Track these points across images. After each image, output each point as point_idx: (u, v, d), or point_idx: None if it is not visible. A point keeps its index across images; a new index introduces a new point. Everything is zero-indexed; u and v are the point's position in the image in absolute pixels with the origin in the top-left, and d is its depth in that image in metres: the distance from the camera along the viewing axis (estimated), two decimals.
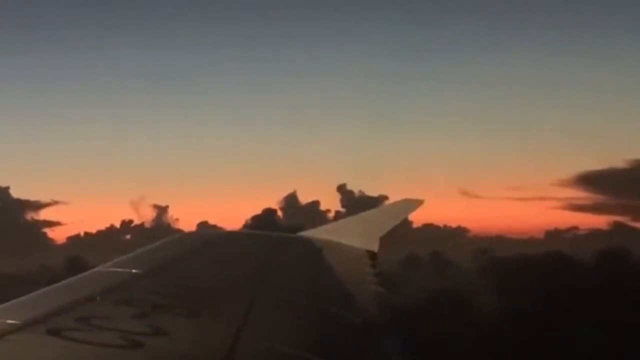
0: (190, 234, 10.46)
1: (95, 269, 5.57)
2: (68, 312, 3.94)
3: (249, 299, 4.95)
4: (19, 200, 63.41)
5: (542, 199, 78.15)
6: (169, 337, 3.72)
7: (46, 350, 3.39)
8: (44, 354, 3.35)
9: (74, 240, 61.07)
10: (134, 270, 5.44)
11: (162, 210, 60.22)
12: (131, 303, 4.31)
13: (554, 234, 58.34)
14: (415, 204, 11.61)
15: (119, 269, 5.52)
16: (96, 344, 3.44)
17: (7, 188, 62.24)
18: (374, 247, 9.06)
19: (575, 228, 58.41)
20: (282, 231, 12.16)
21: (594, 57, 70.68)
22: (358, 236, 9.39)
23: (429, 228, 55.97)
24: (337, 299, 5.82)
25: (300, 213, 54.13)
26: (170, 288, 5.02)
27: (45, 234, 64.14)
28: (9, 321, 3.65)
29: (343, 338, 4.69)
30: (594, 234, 55.85)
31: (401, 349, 4.71)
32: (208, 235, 9.38)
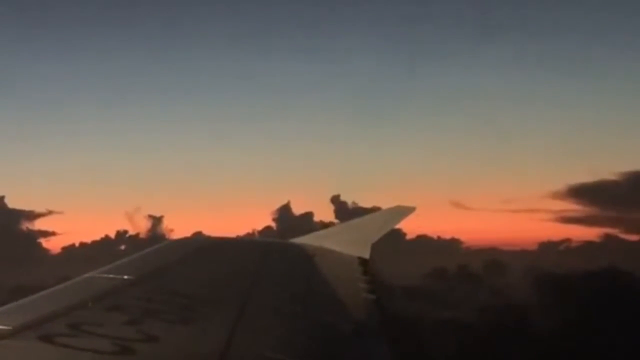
0: (182, 240, 10.45)
1: (87, 275, 5.57)
2: (59, 317, 3.94)
3: (240, 306, 4.96)
4: (14, 210, 63.20)
5: (533, 211, 78.67)
6: (161, 343, 3.72)
7: (37, 356, 3.39)
8: None
9: (69, 250, 61.00)
10: (125, 277, 5.44)
11: (157, 220, 60.21)
12: (123, 309, 4.31)
13: (547, 246, 58.63)
14: (406, 210, 11.63)
15: (110, 275, 5.52)
16: (87, 350, 3.44)
17: (2, 197, 62.07)
18: (366, 253, 9.07)
19: (568, 240, 58.67)
20: None
21: (585, 72, 71.18)
22: (349, 243, 9.39)
23: (422, 239, 56.22)
24: (328, 305, 5.84)
25: (293, 224, 54.05)
26: (162, 294, 5.03)
27: (40, 244, 63.96)
28: (0, 327, 3.65)
29: (334, 345, 4.70)
30: (587, 246, 56.12)
31: (389, 355, 4.73)
32: (200, 242, 9.37)
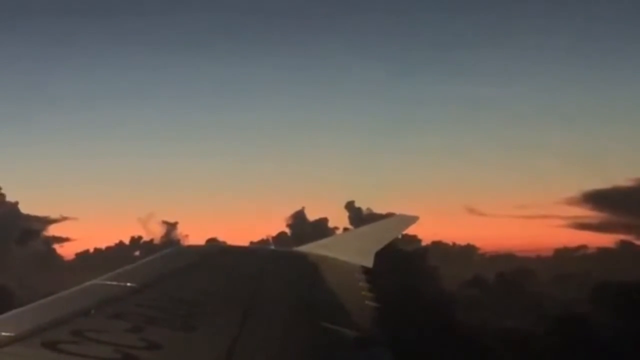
0: (186, 247, 10.45)
1: (90, 282, 5.57)
2: (63, 324, 3.94)
3: (243, 314, 4.96)
4: (27, 216, 63.04)
5: (547, 217, 78.29)
6: (163, 351, 3.73)
7: None
8: None
9: (83, 256, 61.02)
10: (129, 284, 5.45)
11: (171, 226, 60.15)
12: (126, 316, 4.31)
13: (563, 253, 58.57)
14: (409, 220, 11.65)
15: (114, 282, 5.53)
16: (90, 357, 3.45)
17: (17, 203, 62.06)
18: (369, 262, 9.07)
19: (584, 247, 58.55)
20: None
21: (598, 77, 71.17)
22: (353, 251, 9.39)
23: (438, 245, 56.08)
24: (331, 314, 5.83)
25: (308, 230, 53.79)
26: (165, 302, 5.03)
27: (54, 250, 63.89)
28: (3, 333, 3.66)
29: (337, 353, 4.69)
30: (603, 252, 55.95)
31: None
32: (203, 249, 9.38)
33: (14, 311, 4.32)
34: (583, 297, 41.65)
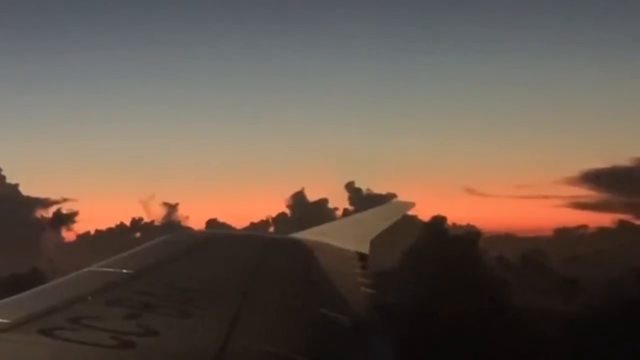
0: (183, 234, 10.46)
1: (86, 269, 5.58)
2: (59, 311, 3.96)
3: (239, 300, 4.98)
4: (28, 198, 62.83)
5: (547, 197, 78.37)
6: (160, 337, 3.74)
7: (37, 349, 3.41)
8: (35, 354, 3.37)
9: (84, 238, 61.04)
10: (125, 271, 5.46)
11: (171, 208, 60.19)
12: (122, 303, 4.33)
13: (563, 232, 58.67)
14: (406, 206, 11.69)
15: (110, 269, 5.54)
16: (87, 343, 3.46)
17: (17, 185, 61.89)
18: (365, 249, 9.10)
19: (584, 226, 58.68)
20: None
21: (598, 55, 70.99)
22: (349, 238, 9.42)
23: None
24: (327, 300, 5.86)
25: (308, 211, 53.84)
26: (161, 288, 5.04)
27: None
28: (0, 320, 3.67)
29: (332, 339, 4.72)
30: (602, 232, 56.01)
31: (389, 350, 4.75)
32: (199, 236, 9.40)
33: (10, 298, 4.33)
34: (611, 279, 41.39)
